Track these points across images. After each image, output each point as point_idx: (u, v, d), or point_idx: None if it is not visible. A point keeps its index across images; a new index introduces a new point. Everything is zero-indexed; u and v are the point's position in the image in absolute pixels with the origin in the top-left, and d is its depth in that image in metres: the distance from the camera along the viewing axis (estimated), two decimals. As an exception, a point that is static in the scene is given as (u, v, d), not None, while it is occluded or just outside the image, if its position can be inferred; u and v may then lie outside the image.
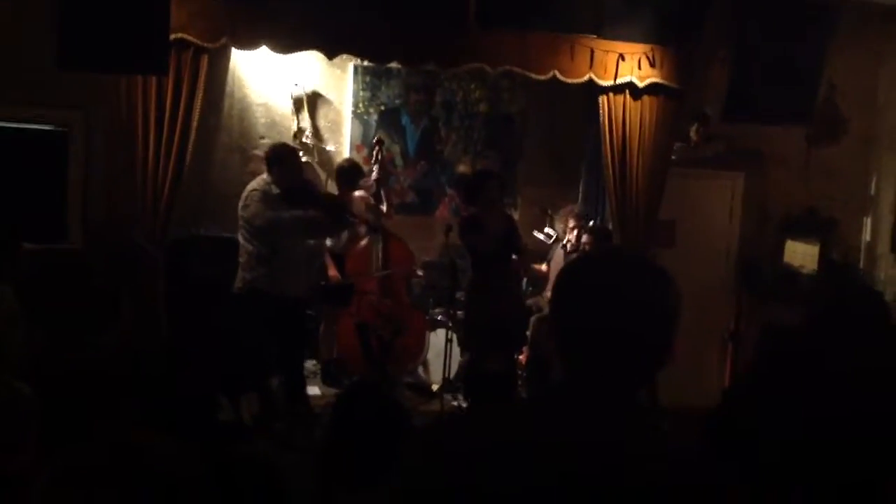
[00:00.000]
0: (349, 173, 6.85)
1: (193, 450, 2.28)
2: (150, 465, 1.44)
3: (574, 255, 6.83)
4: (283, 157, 6.01)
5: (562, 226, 7.16)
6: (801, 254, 7.37)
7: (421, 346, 6.99)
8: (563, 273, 1.69)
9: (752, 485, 2.96)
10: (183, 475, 1.48)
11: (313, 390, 6.68)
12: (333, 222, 6.33)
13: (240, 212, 5.97)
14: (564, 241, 7.02)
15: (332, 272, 6.83)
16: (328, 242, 6.84)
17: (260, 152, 7.13)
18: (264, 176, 6.02)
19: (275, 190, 5.92)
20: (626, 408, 1.57)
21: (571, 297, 1.62)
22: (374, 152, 6.91)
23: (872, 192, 7.49)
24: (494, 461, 1.46)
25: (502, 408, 1.78)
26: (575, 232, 6.96)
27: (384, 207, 6.94)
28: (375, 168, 6.86)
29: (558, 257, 7.07)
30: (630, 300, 1.57)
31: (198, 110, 6.03)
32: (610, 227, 6.89)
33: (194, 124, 6.03)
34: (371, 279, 6.82)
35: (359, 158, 7.22)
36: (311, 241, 6.36)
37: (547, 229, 7.20)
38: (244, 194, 5.98)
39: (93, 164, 6.53)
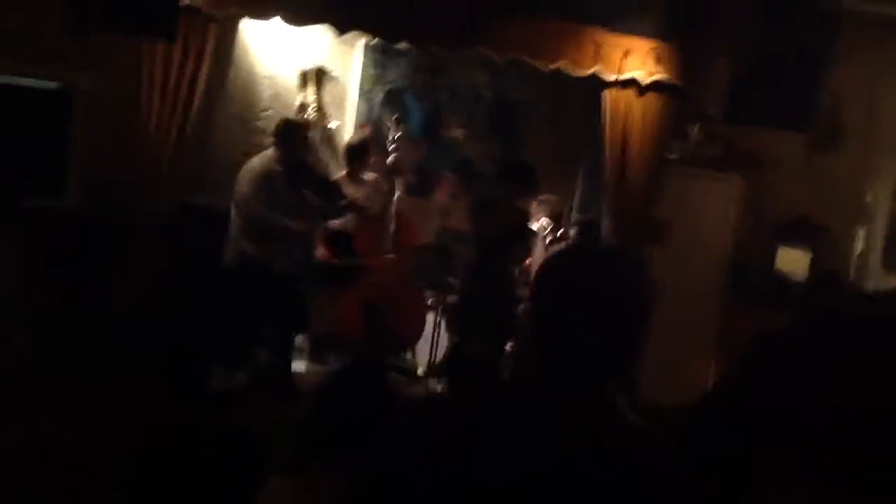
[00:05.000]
0: (358, 151, 6.84)
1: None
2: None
3: (553, 247, 6.88)
4: (290, 133, 6.07)
5: (535, 217, 7.05)
6: (794, 261, 7.41)
7: (421, 327, 7.00)
8: (544, 265, 1.74)
9: (724, 483, 2.99)
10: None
11: (300, 366, 6.70)
12: (326, 212, 6.41)
13: (235, 185, 5.97)
14: (540, 233, 7.02)
15: (322, 252, 6.79)
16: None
17: (263, 124, 7.18)
18: (269, 152, 6.03)
19: (278, 168, 5.92)
20: (594, 397, 1.61)
21: (549, 289, 1.67)
22: (393, 131, 6.86)
23: (868, 202, 7.52)
24: (460, 448, 1.50)
25: (475, 393, 1.82)
26: (542, 222, 6.92)
27: (399, 189, 6.87)
28: (393, 147, 6.79)
29: (538, 250, 7.09)
30: (605, 294, 1.61)
31: (203, 78, 6.07)
32: (604, 221, 6.90)
33: (199, 92, 6.07)
34: (381, 258, 6.83)
35: (361, 136, 7.24)
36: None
37: (543, 219, 7.21)
38: (244, 169, 5.98)
39: (96, 126, 6.54)
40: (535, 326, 1.70)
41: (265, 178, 5.87)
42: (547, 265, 1.75)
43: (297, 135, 6.12)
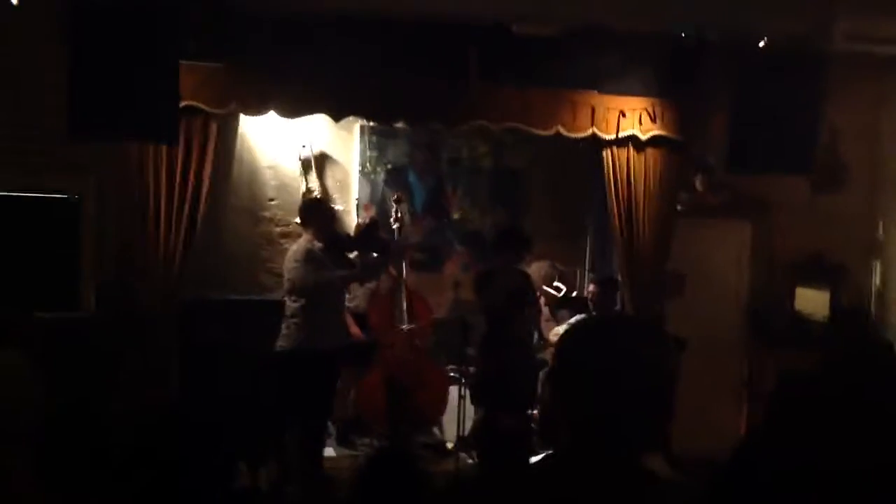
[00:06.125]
0: (369, 233, 6.87)
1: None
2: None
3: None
4: (315, 211, 6.20)
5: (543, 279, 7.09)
6: (812, 300, 7.36)
7: (443, 401, 7.01)
8: (565, 340, 1.73)
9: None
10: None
11: (328, 451, 6.65)
12: (378, 262, 6.48)
13: (286, 274, 6.03)
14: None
15: (354, 330, 6.85)
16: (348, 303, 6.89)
17: (270, 214, 7.24)
18: (304, 236, 6.10)
19: (317, 245, 5.99)
20: (631, 472, 1.60)
21: (573, 364, 1.66)
22: (394, 210, 6.98)
23: (880, 237, 7.50)
24: None
25: (512, 474, 1.81)
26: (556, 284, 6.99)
27: (407, 266, 7.04)
28: (396, 227, 6.92)
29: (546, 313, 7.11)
30: (629, 366, 1.60)
31: (208, 176, 6.13)
32: (618, 278, 6.90)
33: (205, 190, 6.13)
34: (396, 334, 6.87)
35: (365, 217, 7.30)
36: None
37: (556, 283, 7.22)
38: (289, 257, 6.07)
39: (104, 231, 6.61)
40: (559, 399, 1.69)
41: (309, 253, 5.95)
42: (568, 339, 1.75)
43: (324, 210, 6.28)
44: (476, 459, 6.47)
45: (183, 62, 5.50)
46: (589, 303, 6.90)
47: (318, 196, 7.23)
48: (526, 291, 6.45)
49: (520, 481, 1.66)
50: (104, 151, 6.06)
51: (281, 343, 5.97)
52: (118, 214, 6.44)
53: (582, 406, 1.63)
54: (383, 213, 7.29)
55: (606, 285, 6.82)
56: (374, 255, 6.40)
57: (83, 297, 6.55)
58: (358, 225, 7.13)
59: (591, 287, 6.87)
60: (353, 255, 6.45)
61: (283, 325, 5.99)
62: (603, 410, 1.60)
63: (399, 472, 2.81)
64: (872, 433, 3.03)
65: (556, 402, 1.69)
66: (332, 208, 6.55)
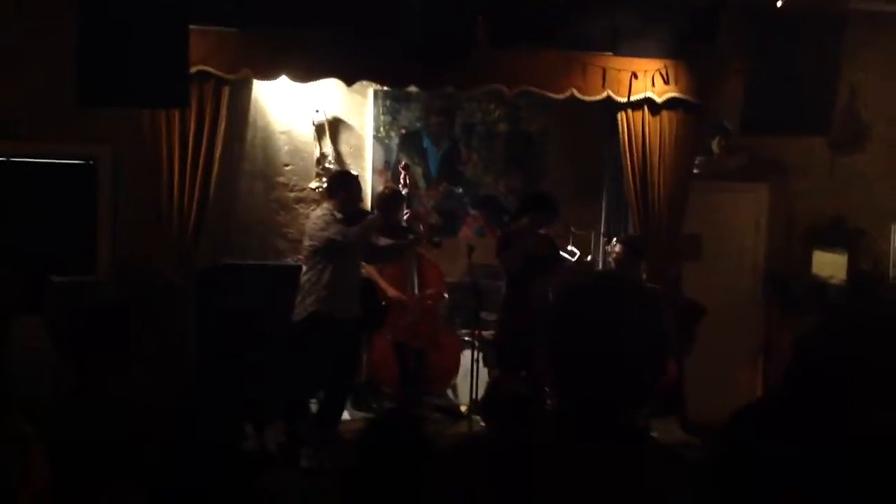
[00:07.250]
0: (391, 200, 6.71)
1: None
2: None
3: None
4: (347, 183, 6.16)
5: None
6: (830, 264, 7.29)
7: (455, 364, 7.06)
8: (556, 302, 1.74)
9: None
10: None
11: (342, 415, 6.70)
12: (404, 245, 6.55)
13: (308, 239, 6.00)
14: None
15: (394, 292, 6.92)
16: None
17: (284, 179, 7.25)
18: (326, 204, 6.10)
19: (338, 216, 5.98)
20: (621, 434, 1.60)
21: (563, 326, 1.66)
22: (401, 177, 6.95)
23: (900, 197, 7.41)
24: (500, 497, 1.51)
25: (508, 437, 1.82)
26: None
27: (419, 232, 6.96)
28: (405, 192, 6.90)
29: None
30: (620, 326, 1.60)
31: (221, 141, 6.16)
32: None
33: (217, 154, 6.16)
34: (408, 298, 6.94)
35: (381, 182, 7.28)
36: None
37: (570, 247, 7.17)
38: (313, 221, 6.02)
39: (120, 197, 6.67)
40: (554, 364, 1.69)
41: (334, 216, 5.94)
42: (558, 301, 1.75)
43: (353, 183, 6.22)
44: (484, 423, 6.49)
45: (194, 27, 5.50)
46: (612, 263, 6.77)
47: (332, 162, 7.23)
48: (553, 255, 6.44)
49: (514, 444, 1.67)
50: (119, 118, 6.09)
51: (301, 308, 6.00)
52: (134, 181, 6.49)
53: (570, 365, 1.63)
54: (396, 178, 7.26)
55: (632, 246, 6.58)
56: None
57: (100, 262, 6.62)
58: (381, 193, 7.02)
59: (617, 248, 6.68)
60: None
61: (302, 291, 6.00)
62: (589, 370, 1.60)
63: (401, 434, 2.82)
64: (886, 398, 3.01)
65: (548, 362, 1.70)
66: (360, 184, 6.48)
